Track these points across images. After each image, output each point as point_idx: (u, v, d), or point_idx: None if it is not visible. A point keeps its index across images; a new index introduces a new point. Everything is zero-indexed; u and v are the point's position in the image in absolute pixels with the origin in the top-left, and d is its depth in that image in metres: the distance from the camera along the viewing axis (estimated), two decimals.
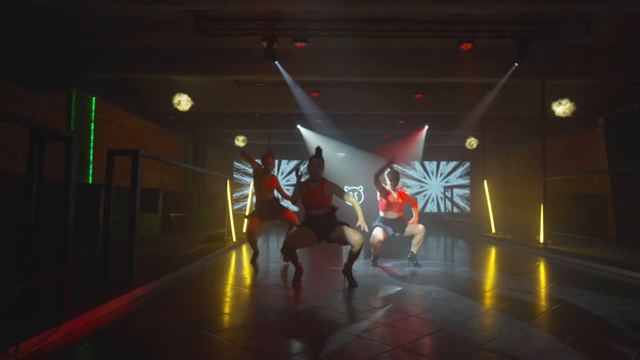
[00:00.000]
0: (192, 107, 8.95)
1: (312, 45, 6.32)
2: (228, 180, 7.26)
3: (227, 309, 3.29)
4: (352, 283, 4.07)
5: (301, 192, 4.10)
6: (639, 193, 8.30)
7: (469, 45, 5.74)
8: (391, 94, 8.43)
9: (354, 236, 3.97)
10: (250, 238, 5.51)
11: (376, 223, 5.45)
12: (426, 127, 11.21)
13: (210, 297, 3.68)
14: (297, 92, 8.38)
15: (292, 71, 6.75)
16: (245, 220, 9.48)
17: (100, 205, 6.11)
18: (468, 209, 16.54)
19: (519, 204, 11.71)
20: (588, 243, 7.04)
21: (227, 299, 3.62)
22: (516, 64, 6.09)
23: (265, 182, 5.55)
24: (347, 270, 4.12)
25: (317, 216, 4.08)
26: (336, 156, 15.03)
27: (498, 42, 6.20)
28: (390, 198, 5.34)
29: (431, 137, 12.20)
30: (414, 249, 5.44)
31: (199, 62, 6.90)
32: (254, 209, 5.77)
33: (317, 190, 4.08)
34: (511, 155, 13.97)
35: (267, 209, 5.55)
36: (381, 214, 5.47)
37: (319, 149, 4.18)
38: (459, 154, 15.50)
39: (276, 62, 6.16)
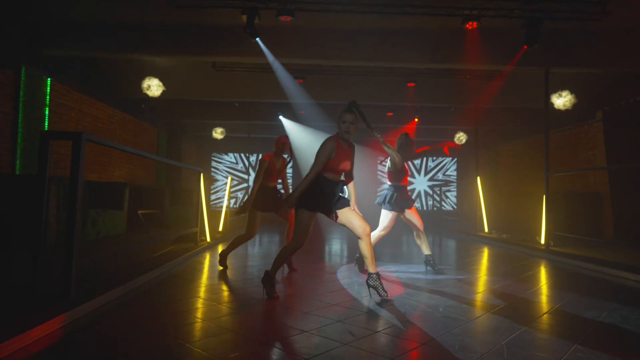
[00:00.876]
0: (164, 93, 8.17)
1: (298, 22, 5.61)
2: (202, 174, 6.50)
3: (196, 335, 2.57)
4: (381, 293, 3.36)
5: (332, 149, 3.29)
6: (637, 191, 7.91)
7: (475, 24, 5.12)
8: (382, 82, 7.79)
9: (361, 221, 3.34)
10: (240, 241, 4.78)
11: (385, 196, 4.63)
12: (416, 120, 10.63)
13: (173, 318, 2.94)
14: (281, 77, 7.67)
15: (276, 51, 6.02)
16: (223, 216, 8.76)
17: (50, 200, 5.28)
18: (455, 207, 16.13)
19: (510, 201, 11.26)
20: (588, 244, 6.58)
21: (197, 320, 2.88)
22: (525, 47, 5.49)
23: (274, 168, 4.77)
24: (375, 279, 3.38)
25: (338, 184, 3.39)
26: None
27: (504, 23, 5.61)
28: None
29: (420, 132, 11.64)
30: (426, 249, 4.78)
31: (172, 40, 6.11)
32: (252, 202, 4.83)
33: (348, 153, 3.42)
34: (500, 150, 13.55)
35: (270, 198, 4.75)
36: (389, 185, 4.72)
37: (353, 103, 3.41)
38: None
39: (257, 39, 5.42)
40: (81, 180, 3.03)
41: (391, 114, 10.20)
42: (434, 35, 6.01)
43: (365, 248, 3.37)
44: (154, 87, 7.39)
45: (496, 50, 5.99)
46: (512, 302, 3.50)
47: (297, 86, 7.78)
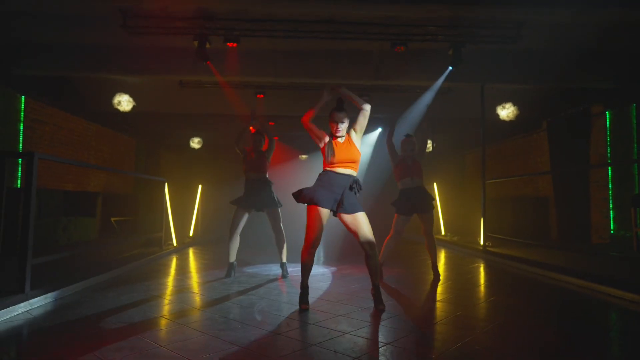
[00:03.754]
0: (138, 107, 8.70)
1: (247, 45, 6.20)
2: (166, 184, 7.04)
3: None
4: (379, 306, 3.37)
5: (331, 147, 3.43)
6: (578, 196, 8.54)
7: (402, 48, 5.73)
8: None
9: (367, 227, 3.40)
10: (231, 241, 4.84)
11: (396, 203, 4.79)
12: (379, 129, 11.23)
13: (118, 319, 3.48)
14: (243, 93, 8.23)
15: (227, 71, 6.60)
16: (193, 222, 9.27)
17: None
18: None
19: (470, 205, 11.87)
20: (529, 246, 7.16)
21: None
22: (450, 68, 6.12)
23: (252, 152, 4.76)
24: (376, 291, 3.45)
25: (345, 176, 3.45)
26: (298, 158, 14.91)
27: (433, 45, 6.23)
28: (406, 159, 4.79)
29: (381, 141, 12.23)
30: (433, 257, 4.88)
31: (132, 61, 6.66)
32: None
33: (346, 144, 3.47)
34: (466, 156, 14.19)
35: (256, 192, 4.68)
36: (400, 185, 4.83)
37: (340, 101, 3.56)
38: None
39: (208, 62, 5.99)
40: (34, 192, 3.54)
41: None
42: (374, 56, 6.63)
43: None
44: (124, 102, 7.92)
45: (430, 68, 6.62)
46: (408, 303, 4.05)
47: (259, 101, 8.34)
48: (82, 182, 9.12)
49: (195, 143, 13.34)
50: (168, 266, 5.79)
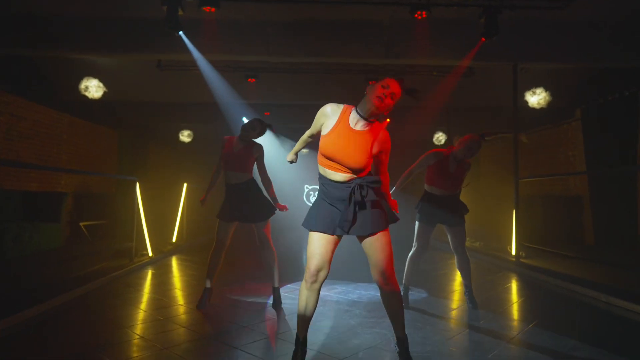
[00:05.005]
0: (111, 95, 7.59)
1: (231, 13, 5.04)
2: (138, 183, 5.92)
3: None
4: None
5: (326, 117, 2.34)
6: (619, 194, 7.40)
7: (424, 14, 4.56)
8: (340, 80, 7.21)
9: (384, 252, 2.30)
10: (212, 259, 3.76)
11: (418, 210, 3.75)
12: (388, 120, 10.04)
13: None
14: (232, 77, 7.10)
15: (207, 48, 5.44)
16: (177, 225, 8.16)
17: None
18: None
19: (489, 204, 10.71)
20: (563, 256, 6.05)
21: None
22: (483, 40, 4.93)
23: (231, 151, 3.70)
24: (402, 343, 2.37)
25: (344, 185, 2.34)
26: (300, 153, 13.74)
27: (459, 14, 5.06)
28: (446, 163, 3.67)
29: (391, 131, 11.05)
30: (466, 278, 3.85)
31: (94, 37, 5.51)
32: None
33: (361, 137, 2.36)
34: (480, 150, 13.01)
35: (241, 200, 3.68)
36: (426, 187, 3.83)
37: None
38: (423, 149, 14.43)
39: (180, 33, 4.83)
40: None
41: (388, 121, 9.60)
42: (386, 29, 5.45)
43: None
44: (92, 88, 6.81)
45: (453, 44, 5.44)
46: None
47: (250, 86, 7.20)
48: (51, 181, 8.00)
49: (185, 136, 12.22)
50: (138, 286, 4.69)
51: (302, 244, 8.71)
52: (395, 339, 2.39)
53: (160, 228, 9.01)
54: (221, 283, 4.57)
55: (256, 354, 2.63)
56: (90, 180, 9.45)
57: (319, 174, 2.40)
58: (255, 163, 3.80)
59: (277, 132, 10.90)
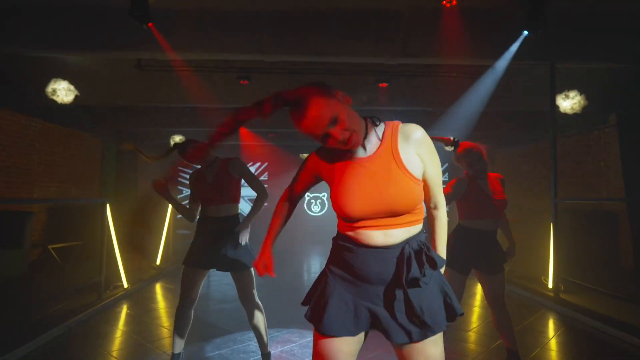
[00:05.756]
0: (87, 99, 6.72)
1: (223, 4, 4.14)
2: (108, 205, 5.01)
3: None
4: None
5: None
6: None
7: (455, 1, 3.63)
8: (348, 82, 6.29)
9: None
10: (178, 319, 2.88)
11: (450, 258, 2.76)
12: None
13: None
14: (223, 79, 6.22)
15: (194, 43, 4.51)
16: (162, 245, 7.25)
17: None
18: None
19: (516, 222, 9.79)
20: (604, 285, 5.18)
21: None
22: (525, 33, 4.00)
23: (202, 180, 2.88)
24: None
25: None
26: (299, 160, 12.86)
27: (497, 3, 4.13)
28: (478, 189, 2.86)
29: None
30: (509, 340, 2.90)
31: (53, 30, 4.58)
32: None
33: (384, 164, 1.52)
34: (496, 157, 12.09)
35: (215, 240, 2.82)
36: (463, 223, 2.93)
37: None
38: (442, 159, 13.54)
39: (150, 25, 3.90)
40: None
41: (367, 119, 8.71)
42: (404, 21, 4.51)
43: None
44: (61, 91, 5.92)
45: (486, 39, 4.50)
46: None
47: (243, 88, 6.29)
48: (22, 195, 7.07)
49: (177, 142, 11.31)
50: (107, 333, 3.78)
51: (309, 267, 7.80)
52: None
53: (148, 245, 8.12)
54: (199, 338, 3.67)
55: None
56: (69, 193, 8.54)
57: (337, 244, 1.49)
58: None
59: (276, 140, 10.03)
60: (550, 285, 5.22)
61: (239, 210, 3.00)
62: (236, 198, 2.94)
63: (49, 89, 5.96)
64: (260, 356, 3.03)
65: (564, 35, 4.74)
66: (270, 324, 3.13)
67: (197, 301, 2.90)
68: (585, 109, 6.56)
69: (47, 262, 6.59)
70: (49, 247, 6.44)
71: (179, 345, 2.90)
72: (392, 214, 1.36)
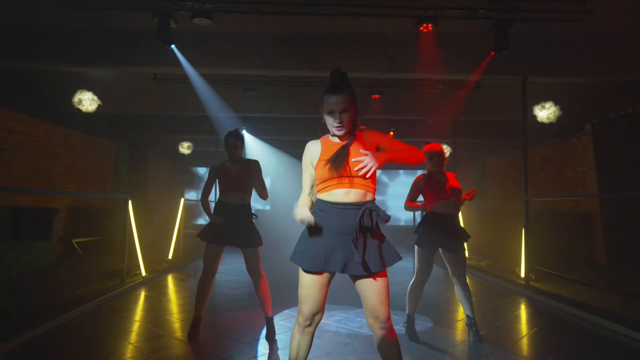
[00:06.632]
0: (107, 108, 7.37)
1: (232, 27, 4.84)
2: (130, 201, 5.68)
3: None
4: None
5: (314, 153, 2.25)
6: (632, 212, 7.09)
7: (430, 27, 4.32)
8: None
9: (380, 295, 2.04)
10: (201, 287, 3.49)
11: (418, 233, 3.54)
12: (392, 133, 9.81)
13: None
14: (231, 90, 6.90)
15: (208, 60, 5.22)
16: (174, 241, 7.89)
17: None
18: None
19: (496, 221, 10.42)
20: (575, 274, 5.78)
21: None
22: (492, 54, 4.69)
23: (227, 172, 3.50)
24: None
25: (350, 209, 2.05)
26: (299, 165, 13.50)
27: (467, 27, 4.82)
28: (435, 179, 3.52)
29: None
30: (468, 309, 3.52)
31: (80, 48, 5.27)
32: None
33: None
34: (487, 164, 12.73)
35: (234, 221, 3.45)
36: (430, 210, 3.52)
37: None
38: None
39: (173, 46, 4.61)
40: None
41: (364, 127, 9.38)
42: (390, 42, 5.22)
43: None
44: (86, 101, 6.58)
45: (460, 57, 5.19)
46: None
47: (250, 100, 6.99)
48: (46, 195, 7.75)
49: (185, 148, 11.98)
50: (128, 311, 4.41)
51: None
52: None
53: (159, 243, 8.77)
54: (213, 310, 4.31)
55: None
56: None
57: (317, 200, 2.14)
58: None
59: (279, 147, 10.69)
60: (522, 274, 5.82)
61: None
62: (251, 190, 3.60)
63: (76, 98, 6.65)
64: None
65: (532, 53, 5.42)
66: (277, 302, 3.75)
67: (215, 274, 3.53)
68: (560, 119, 7.20)
69: (70, 255, 7.23)
70: (73, 241, 7.09)
71: (200, 309, 3.54)
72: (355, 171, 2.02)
